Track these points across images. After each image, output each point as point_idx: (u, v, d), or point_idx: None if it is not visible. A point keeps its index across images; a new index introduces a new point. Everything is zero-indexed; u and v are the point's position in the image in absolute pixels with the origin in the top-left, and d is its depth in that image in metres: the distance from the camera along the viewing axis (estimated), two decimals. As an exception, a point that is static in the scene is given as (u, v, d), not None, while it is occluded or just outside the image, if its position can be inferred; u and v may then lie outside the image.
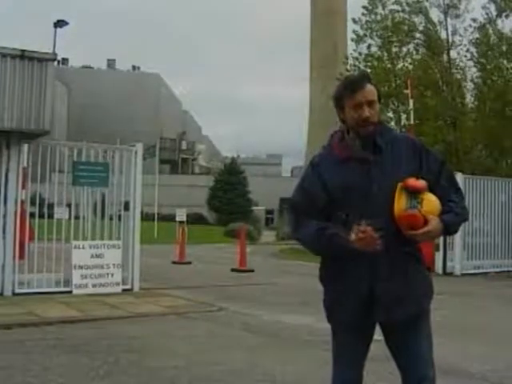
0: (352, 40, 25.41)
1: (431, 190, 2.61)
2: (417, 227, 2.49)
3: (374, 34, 24.37)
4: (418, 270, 2.70)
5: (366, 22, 24.44)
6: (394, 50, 24.25)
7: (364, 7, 24.44)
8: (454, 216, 2.60)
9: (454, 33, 23.48)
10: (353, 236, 2.47)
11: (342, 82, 2.75)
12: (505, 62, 22.73)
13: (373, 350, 2.81)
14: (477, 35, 23.03)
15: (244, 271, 14.88)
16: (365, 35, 24.47)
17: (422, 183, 2.54)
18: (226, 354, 5.96)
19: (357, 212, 2.55)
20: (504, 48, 22.53)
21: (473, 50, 23.27)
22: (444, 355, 5.54)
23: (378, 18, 24.35)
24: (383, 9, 24.18)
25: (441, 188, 2.66)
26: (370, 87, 2.67)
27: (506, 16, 22.39)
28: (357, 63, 24.66)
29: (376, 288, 2.59)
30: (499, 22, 22.66)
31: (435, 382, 2.73)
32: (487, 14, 22.79)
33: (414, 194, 2.51)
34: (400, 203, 2.51)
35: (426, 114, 21.80)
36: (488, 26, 22.84)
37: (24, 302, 8.65)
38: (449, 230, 2.63)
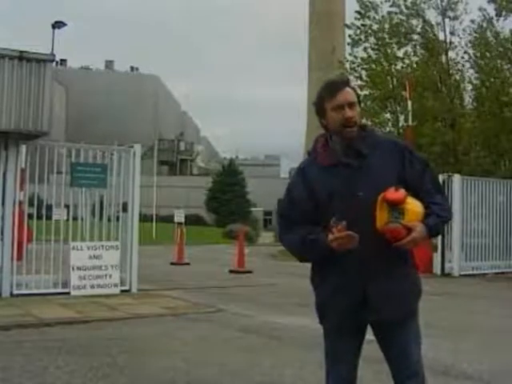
0: (348, 44, 25.50)
1: (415, 191, 2.64)
2: (400, 238, 2.53)
3: (371, 36, 24.37)
4: (405, 269, 2.73)
5: (362, 25, 24.46)
6: (391, 51, 24.27)
7: (357, 12, 24.48)
8: (435, 218, 2.63)
9: (452, 34, 23.54)
10: (330, 236, 2.52)
11: (321, 87, 2.77)
12: (503, 62, 22.76)
13: (369, 349, 2.82)
14: (475, 36, 23.07)
15: (242, 272, 14.89)
16: (360, 39, 24.50)
17: (400, 194, 2.53)
18: (225, 355, 5.96)
19: (343, 216, 2.55)
20: (501, 49, 22.56)
21: (471, 51, 23.34)
22: (441, 356, 5.55)
23: (374, 21, 24.35)
24: (376, 12, 24.21)
25: (424, 190, 2.69)
26: (349, 89, 2.70)
27: (505, 16, 22.43)
28: (353, 66, 24.71)
29: (366, 288, 2.64)
30: (498, 22, 22.72)
31: (425, 380, 2.75)
32: (484, 15, 22.85)
33: (394, 205, 2.53)
34: (381, 217, 2.54)
35: (424, 115, 21.83)
36: (485, 26, 22.88)
37: (22, 303, 8.64)
38: (431, 232, 2.64)
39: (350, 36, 24.92)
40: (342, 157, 2.68)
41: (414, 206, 2.56)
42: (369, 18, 24.25)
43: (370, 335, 2.80)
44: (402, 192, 2.53)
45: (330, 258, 2.67)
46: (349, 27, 25.00)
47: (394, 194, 2.52)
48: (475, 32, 22.97)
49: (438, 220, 2.64)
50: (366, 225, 2.55)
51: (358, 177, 2.64)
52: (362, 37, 24.41)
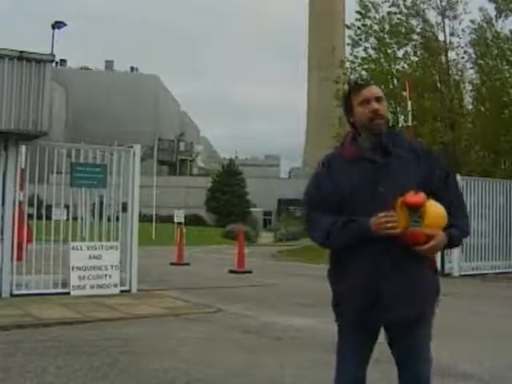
0: (348, 45, 25.52)
1: (439, 197, 2.62)
2: (420, 243, 2.54)
3: (372, 36, 24.38)
4: (423, 270, 2.73)
5: (362, 25, 24.46)
6: (391, 51, 24.29)
7: (357, 12, 24.49)
8: (460, 232, 2.69)
9: (452, 34, 23.56)
10: (374, 219, 2.54)
11: (347, 86, 2.88)
12: (504, 62, 22.78)
13: (375, 350, 2.82)
14: (474, 36, 23.10)
15: (242, 272, 14.89)
16: (360, 39, 24.51)
17: (419, 198, 2.53)
18: (225, 356, 5.95)
19: (363, 212, 2.58)
20: (499, 50, 22.58)
21: (471, 51, 23.37)
22: (441, 356, 5.53)
23: (375, 21, 24.35)
24: (376, 12, 24.22)
25: (447, 197, 2.69)
26: (375, 86, 2.77)
27: (506, 16, 22.44)
28: (353, 66, 24.72)
29: (381, 287, 2.63)
30: (498, 22, 22.74)
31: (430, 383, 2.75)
32: (484, 15, 22.87)
33: (414, 208, 2.53)
34: (401, 220, 2.54)
35: (424, 115, 21.84)
36: (485, 26, 22.90)
37: (22, 303, 8.63)
38: (452, 243, 2.69)
39: (349, 37, 24.97)
40: (368, 152, 2.70)
41: (434, 209, 2.55)
42: (369, 18, 24.27)
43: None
44: (421, 195, 2.53)
45: (344, 257, 2.68)
46: (349, 28, 25.03)
47: (413, 197, 2.53)
48: (475, 30, 22.98)
49: (461, 235, 2.70)
50: None
51: (382, 173, 2.65)
52: (363, 37, 24.44)
